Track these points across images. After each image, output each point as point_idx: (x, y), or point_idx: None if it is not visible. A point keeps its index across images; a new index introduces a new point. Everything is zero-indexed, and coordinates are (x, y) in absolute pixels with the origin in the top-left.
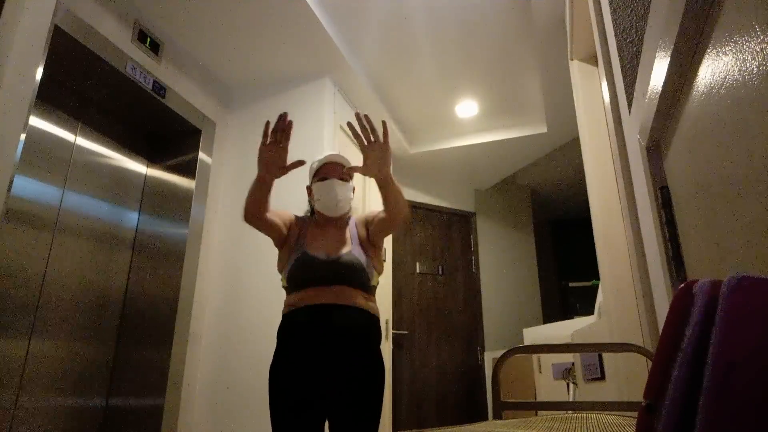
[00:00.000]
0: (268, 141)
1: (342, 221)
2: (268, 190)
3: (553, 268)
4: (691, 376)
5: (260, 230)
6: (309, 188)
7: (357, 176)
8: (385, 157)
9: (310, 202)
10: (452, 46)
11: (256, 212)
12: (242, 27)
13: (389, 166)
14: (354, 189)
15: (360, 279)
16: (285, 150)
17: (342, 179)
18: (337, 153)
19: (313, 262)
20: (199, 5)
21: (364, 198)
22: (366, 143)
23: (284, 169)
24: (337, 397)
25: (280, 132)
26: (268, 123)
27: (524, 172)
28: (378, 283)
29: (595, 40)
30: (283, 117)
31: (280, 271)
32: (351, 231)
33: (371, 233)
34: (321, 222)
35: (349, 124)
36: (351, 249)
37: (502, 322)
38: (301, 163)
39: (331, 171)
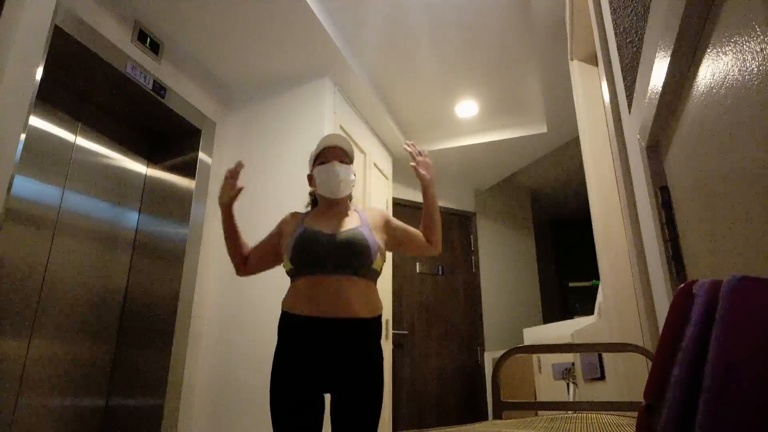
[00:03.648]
0: (229, 181)
1: (344, 205)
2: (234, 221)
3: (553, 268)
4: (691, 376)
5: (261, 271)
6: (310, 176)
7: (357, 162)
8: (429, 165)
9: (311, 194)
10: (452, 46)
11: (241, 259)
12: (242, 27)
13: (432, 173)
14: (355, 174)
15: (363, 258)
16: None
17: (342, 161)
18: (334, 134)
19: (316, 237)
20: (199, 5)
21: (364, 193)
22: (415, 160)
23: (235, 195)
24: (337, 395)
25: (235, 173)
26: (228, 170)
27: (524, 172)
28: (381, 269)
29: (595, 40)
30: (239, 164)
31: (284, 254)
32: (360, 214)
33: (398, 240)
34: (323, 209)
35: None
36: (357, 226)
37: (502, 322)
38: (241, 188)
39: (330, 154)
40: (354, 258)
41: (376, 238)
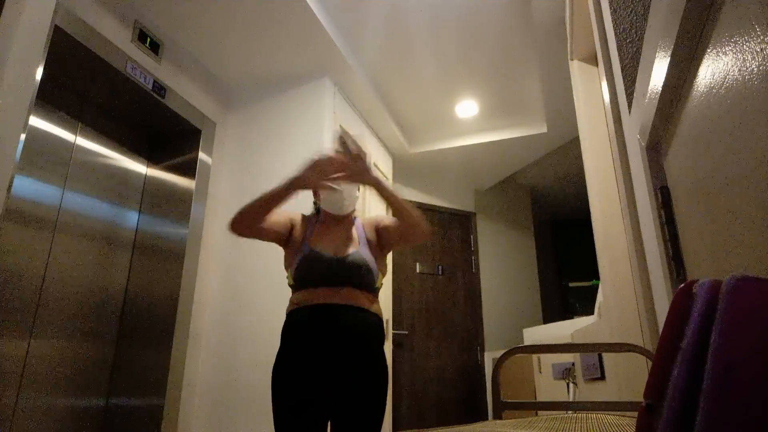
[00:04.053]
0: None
1: (347, 221)
2: (286, 201)
3: (553, 268)
4: (691, 376)
5: (250, 237)
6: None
7: None
8: (360, 164)
9: (315, 202)
10: (452, 46)
11: (256, 221)
12: (242, 27)
13: (370, 171)
14: (359, 188)
15: (366, 280)
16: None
17: None
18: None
19: (321, 260)
20: (199, 5)
21: (364, 201)
22: (346, 159)
23: (321, 187)
24: (340, 397)
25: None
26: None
27: (524, 172)
28: (382, 285)
29: (595, 40)
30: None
31: (287, 268)
32: (358, 231)
33: (385, 240)
34: (326, 221)
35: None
36: (358, 248)
37: (502, 322)
38: (333, 188)
39: None
40: (356, 280)
41: (377, 256)
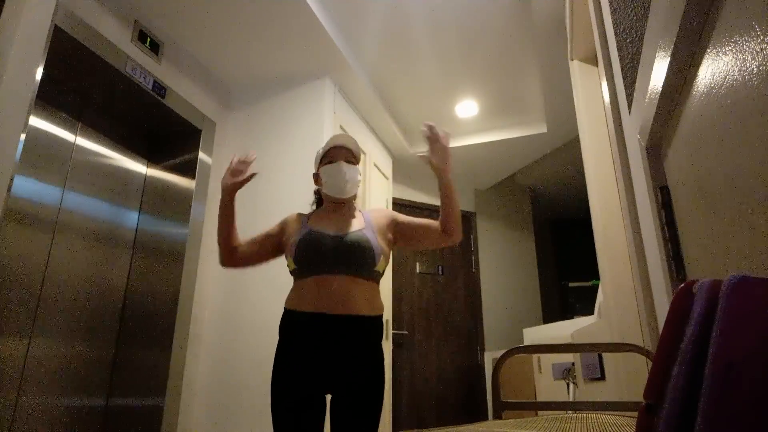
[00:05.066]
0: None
1: (349, 206)
2: (234, 208)
3: (553, 268)
4: (691, 376)
5: (246, 266)
6: (316, 175)
7: (361, 163)
8: (446, 152)
9: (316, 192)
10: (452, 45)
11: (230, 245)
12: (242, 27)
13: (449, 162)
14: (360, 174)
15: (366, 259)
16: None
17: (349, 162)
18: (342, 134)
19: (321, 238)
20: (199, 5)
21: (364, 193)
22: (432, 144)
23: (246, 180)
24: (337, 394)
25: (247, 164)
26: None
27: (524, 172)
28: (384, 270)
29: (595, 40)
30: (252, 155)
31: (287, 255)
32: (364, 216)
33: (409, 236)
34: (328, 208)
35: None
36: (361, 228)
37: (502, 322)
38: (253, 175)
39: (338, 154)
40: (357, 260)
41: (380, 241)
